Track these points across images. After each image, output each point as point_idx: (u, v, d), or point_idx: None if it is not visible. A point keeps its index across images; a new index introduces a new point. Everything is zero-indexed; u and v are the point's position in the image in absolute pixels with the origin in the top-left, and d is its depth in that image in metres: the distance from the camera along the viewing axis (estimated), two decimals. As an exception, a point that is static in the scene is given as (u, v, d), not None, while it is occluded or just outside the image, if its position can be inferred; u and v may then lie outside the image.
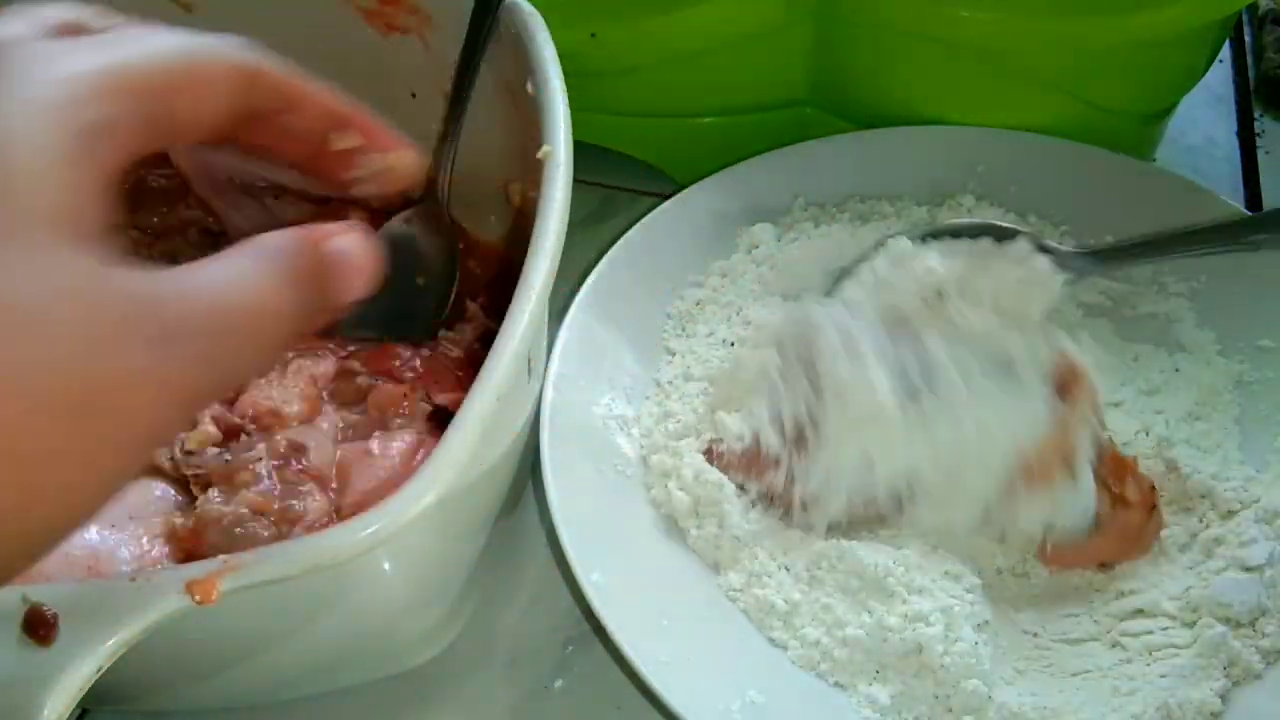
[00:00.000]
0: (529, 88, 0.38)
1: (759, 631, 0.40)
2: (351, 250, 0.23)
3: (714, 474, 0.42)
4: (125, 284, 0.19)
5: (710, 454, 0.43)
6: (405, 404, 0.39)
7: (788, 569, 0.41)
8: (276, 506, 0.35)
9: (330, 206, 0.47)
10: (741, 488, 0.42)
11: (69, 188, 0.19)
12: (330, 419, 0.39)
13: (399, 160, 0.25)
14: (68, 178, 0.19)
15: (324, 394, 0.40)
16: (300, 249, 0.22)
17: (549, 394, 0.42)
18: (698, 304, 0.48)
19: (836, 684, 0.39)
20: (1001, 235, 0.46)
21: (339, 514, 0.36)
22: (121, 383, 0.18)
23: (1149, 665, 0.38)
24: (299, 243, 0.22)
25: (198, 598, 0.27)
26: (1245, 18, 0.65)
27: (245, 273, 0.21)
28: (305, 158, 0.25)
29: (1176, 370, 0.46)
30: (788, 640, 0.40)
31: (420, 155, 0.26)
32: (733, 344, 0.47)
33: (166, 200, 0.46)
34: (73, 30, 0.23)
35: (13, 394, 0.17)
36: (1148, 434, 0.44)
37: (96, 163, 0.19)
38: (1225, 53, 0.63)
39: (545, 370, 0.43)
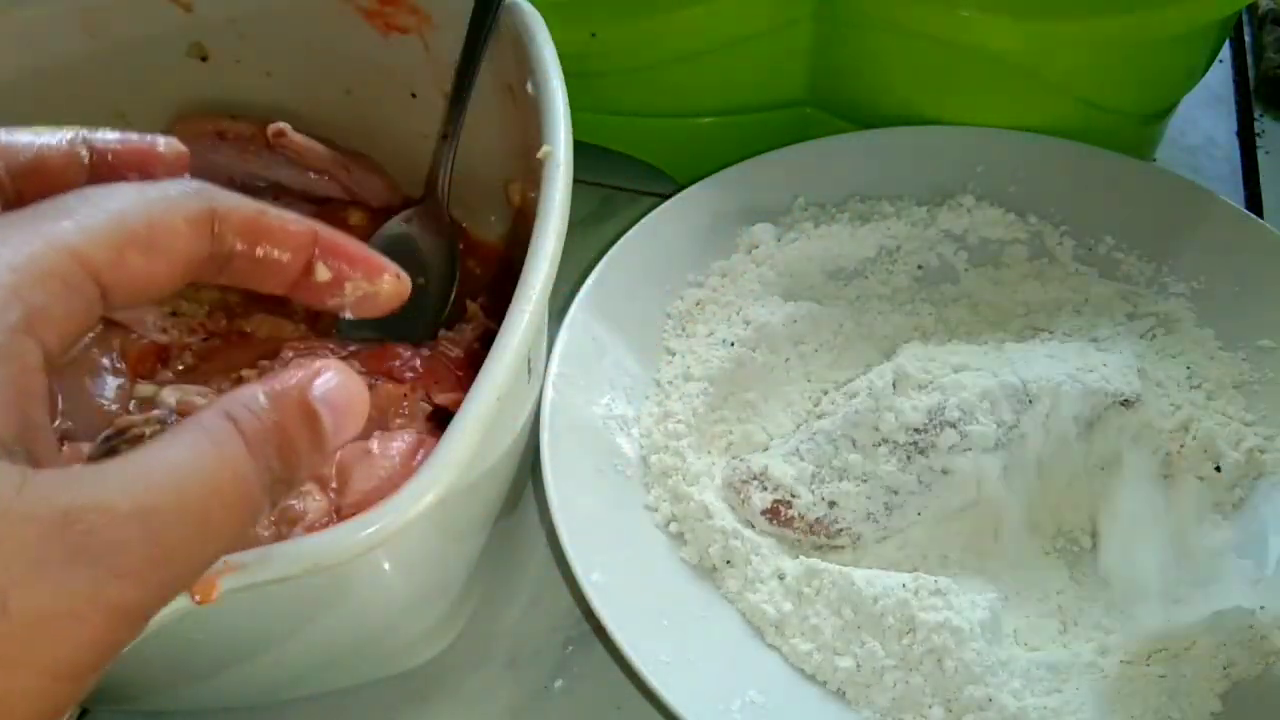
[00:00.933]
0: (529, 88, 0.38)
1: (757, 633, 0.40)
2: (340, 390, 0.22)
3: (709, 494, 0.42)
4: (38, 501, 0.17)
5: (776, 514, 0.42)
6: (405, 404, 0.39)
7: (780, 578, 0.41)
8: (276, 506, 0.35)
9: (329, 206, 0.47)
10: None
11: None
12: (330, 419, 0.39)
13: (384, 286, 0.25)
14: None
15: (324, 394, 0.40)
16: (277, 407, 0.21)
17: (549, 394, 0.42)
18: (698, 304, 0.48)
19: (838, 690, 0.39)
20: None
21: (339, 514, 0.36)
22: (53, 612, 0.17)
23: (1148, 666, 0.38)
24: (274, 401, 0.21)
25: (198, 597, 0.27)
26: (1245, 18, 0.65)
27: (184, 457, 0.19)
28: (286, 288, 0.24)
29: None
30: (781, 645, 0.40)
31: (403, 281, 0.25)
32: (733, 344, 0.47)
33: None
34: None
35: None
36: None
37: (18, 365, 0.18)
38: (1225, 53, 0.63)
39: (545, 370, 0.43)
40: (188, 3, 0.44)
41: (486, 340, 0.31)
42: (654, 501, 0.43)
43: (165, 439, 0.20)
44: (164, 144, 0.25)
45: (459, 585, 0.39)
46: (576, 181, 0.35)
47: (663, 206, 0.49)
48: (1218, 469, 0.42)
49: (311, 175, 0.46)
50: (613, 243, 0.48)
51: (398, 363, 0.40)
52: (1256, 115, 0.60)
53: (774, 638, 0.40)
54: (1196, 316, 0.47)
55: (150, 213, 0.20)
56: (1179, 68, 0.52)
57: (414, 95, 0.45)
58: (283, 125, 0.43)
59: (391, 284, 0.25)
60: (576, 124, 0.36)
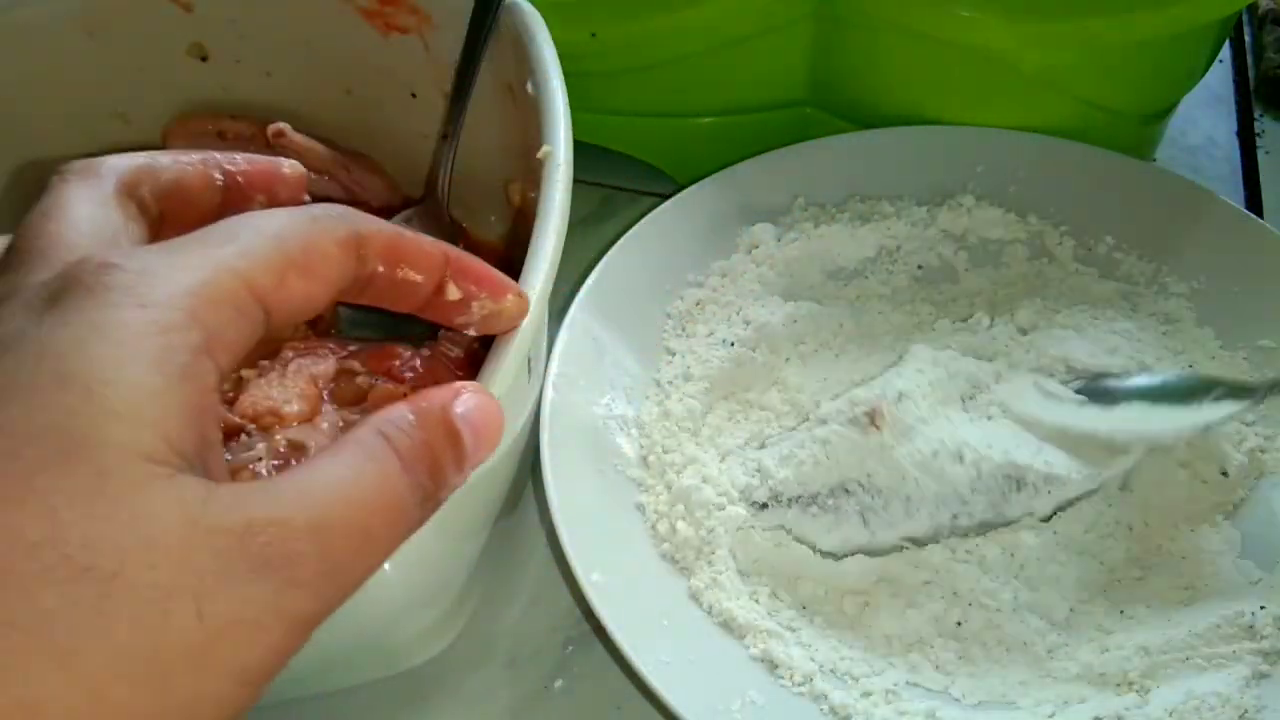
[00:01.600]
0: (529, 88, 0.38)
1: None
2: (479, 410, 0.23)
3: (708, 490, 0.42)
4: (223, 514, 0.18)
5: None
6: (405, 404, 0.39)
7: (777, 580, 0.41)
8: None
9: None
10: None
11: (168, 417, 0.18)
12: (330, 419, 0.39)
13: (508, 305, 0.26)
14: (168, 407, 0.18)
15: (324, 394, 0.40)
16: (424, 424, 0.22)
17: (549, 394, 0.42)
18: (698, 304, 0.48)
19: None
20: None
21: (339, 514, 0.36)
22: (240, 619, 0.18)
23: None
24: (421, 418, 0.22)
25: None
26: (1245, 18, 0.65)
27: (346, 474, 0.20)
28: (418, 307, 0.25)
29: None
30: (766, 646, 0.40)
31: (524, 299, 0.27)
32: (733, 344, 0.47)
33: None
34: (135, 185, 0.23)
35: (111, 663, 0.16)
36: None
37: (198, 385, 0.19)
38: (1225, 53, 0.63)
39: (545, 370, 0.43)
40: (188, 3, 0.44)
41: (486, 340, 0.31)
42: (653, 501, 0.43)
43: (327, 456, 0.20)
44: (287, 166, 0.26)
45: (459, 585, 0.39)
46: (576, 181, 0.35)
47: (663, 206, 0.49)
48: (1224, 474, 0.42)
49: (311, 175, 0.46)
50: (613, 243, 0.48)
51: (398, 363, 0.40)
52: (1256, 115, 0.60)
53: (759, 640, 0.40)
54: (1196, 316, 0.47)
55: (307, 238, 0.21)
56: (1179, 68, 0.52)
57: (414, 95, 0.45)
58: (283, 125, 0.43)
59: (514, 303, 0.26)
60: (576, 124, 0.36)
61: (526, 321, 0.32)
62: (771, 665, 0.39)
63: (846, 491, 0.41)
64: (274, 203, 0.26)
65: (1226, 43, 0.63)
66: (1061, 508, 0.42)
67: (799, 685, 0.38)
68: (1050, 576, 0.40)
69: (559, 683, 0.42)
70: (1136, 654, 0.39)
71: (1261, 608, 0.39)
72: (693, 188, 0.50)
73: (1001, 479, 0.41)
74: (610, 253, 0.47)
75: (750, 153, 0.52)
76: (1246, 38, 0.64)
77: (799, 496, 0.42)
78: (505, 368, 0.31)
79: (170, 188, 0.24)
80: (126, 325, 0.18)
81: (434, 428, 0.22)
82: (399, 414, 0.22)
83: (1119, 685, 0.38)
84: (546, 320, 0.39)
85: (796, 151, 0.52)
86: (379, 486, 0.20)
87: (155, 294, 0.19)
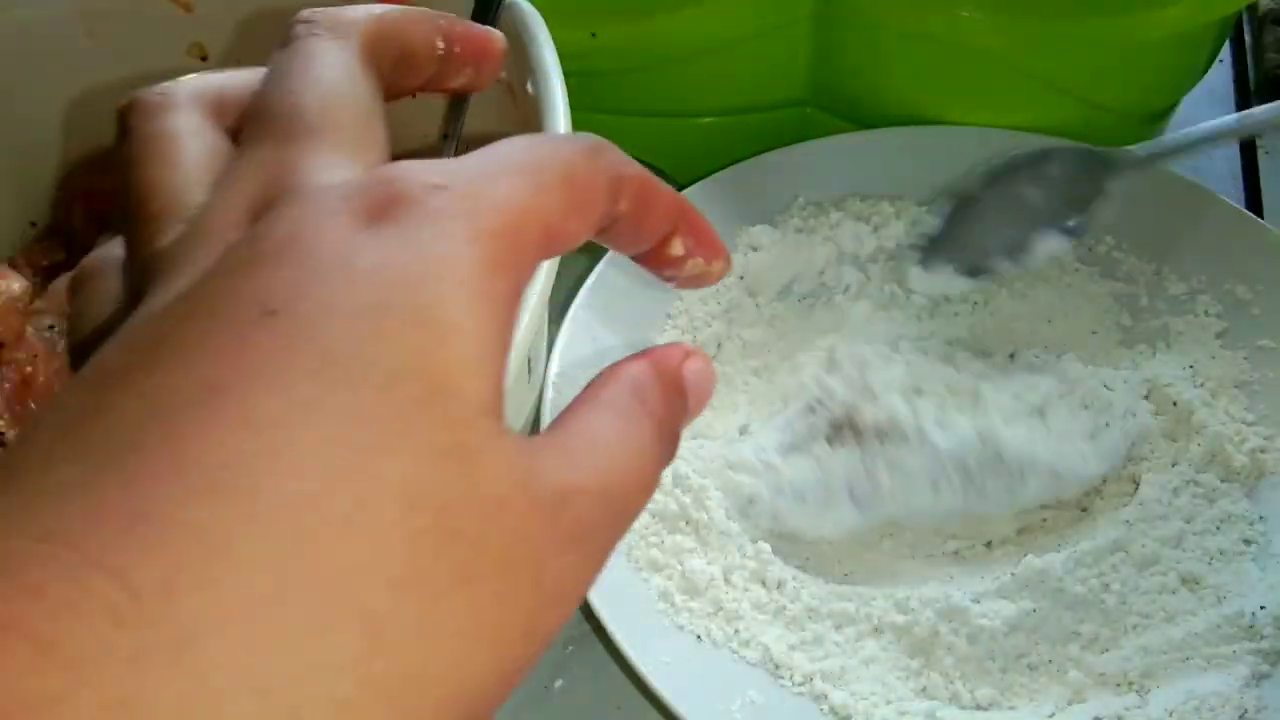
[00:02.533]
0: (529, 88, 0.38)
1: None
2: (702, 376, 0.21)
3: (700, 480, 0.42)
4: (544, 480, 0.17)
5: None
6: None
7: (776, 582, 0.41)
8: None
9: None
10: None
11: (500, 371, 0.17)
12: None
13: (715, 268, 0.24)
14: (500, 359, 0.17)
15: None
16: (661, 382, 0.20)
17: (549, 394, 0.42)
18: (697, 303, 0.48)
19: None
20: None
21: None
22: (559, 594, 0.17)
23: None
24: (658, 374, 0.20)
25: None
26: (1245, 17, 0.64)
27: (611, 437, 0.19)
28: (642, 253, 0.23)
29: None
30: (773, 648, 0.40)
31: (729, 264, 0.25)
32: (730, 342, 0.47)
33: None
34: (377, 49, 0.21)
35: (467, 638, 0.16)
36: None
37: (510, 331, 0.17)
38: (1226, 52, 0.63)
39: (545, 371, 0.43)
40: (188, 3, 0.44)
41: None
42: (651, 499, 0.43)
43: (589, 413, 0.19)
44: (495, 37, 0.24)
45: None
46: (577, 181, 0.35)
47: (663, 206, 0.49)
48: (1224, 480, 0.42)
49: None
50: (613, 243, 0.48)
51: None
52: (1257, 115, 0.60)
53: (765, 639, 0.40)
54: (1197, 317, 0.47)
55: (589, 177, 0.19)
56: (1179, 68, 0.52)
57: (414, 95, 0.45)
58: (283, 125, 0.43)
59: (720, 267, 0.24)
60: (576, 124, 0.36)
61: (526, 321, 0.32)
62: (772, 665, 0.39)
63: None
64: (477, 79, 0.25)
65: (1227, 42, 0.63)
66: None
67: (799, 685, 0.38)
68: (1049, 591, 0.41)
69: (559, 683, 0.42)
70: (1136, 654, 0.39)
71: (1262, 608, 0.39)
72: (693, 188, 0.50)
73: (982, 464, 0.41)
74: (610, 253, 0.47)
75: (750, 153, 0.52)
76: (1247, 38, 0.64)
77: (785, 490, 0.42)
78: (506, 368, 0.31)
79: (401, 54, 0.22)
80: (467, 262, 0.16)
81: (672, 391, 0.20)
82: (644, 374, 0.20)
83: (1119, 685, 0.38)
84: (546, 320, 0.39)
85: (796, 151, 0.52)
86: (639, 452, 0.19)
87: (484, 226, 0.17)
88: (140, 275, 0.17)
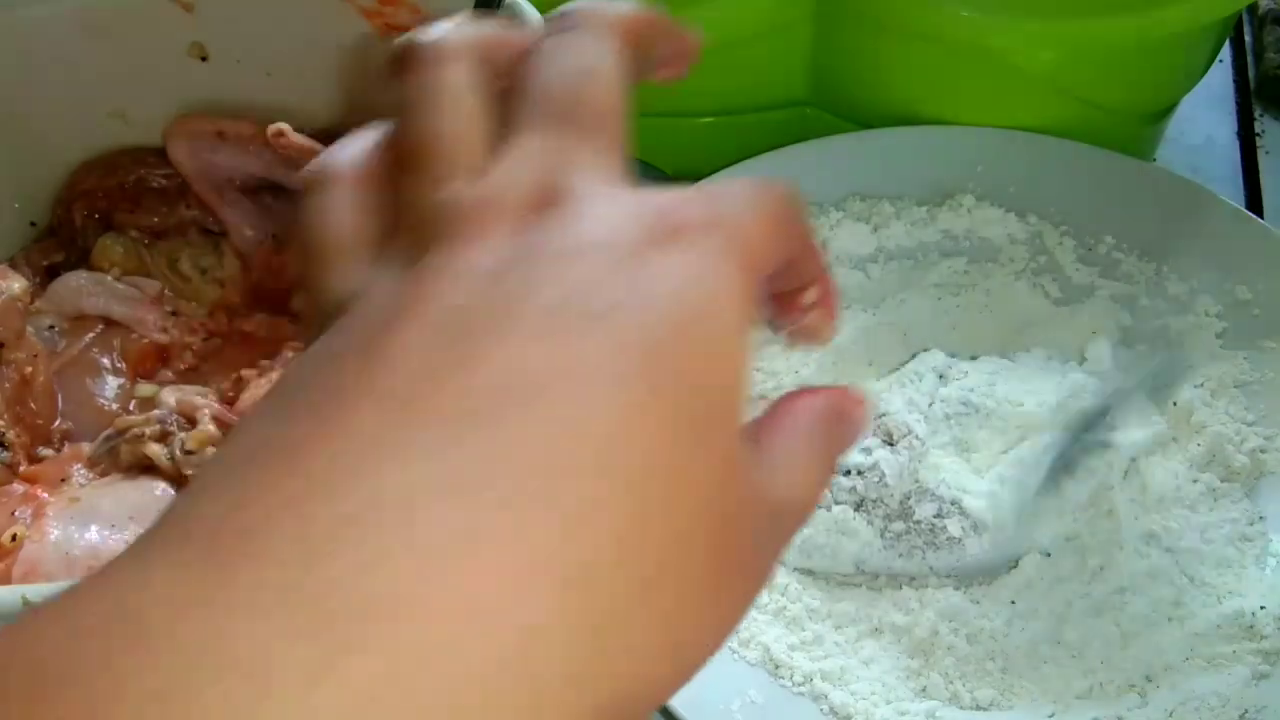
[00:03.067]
0: (529, 88, 0.38)
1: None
2: (863, 421, 0.22)
3: None
4: (772, 491, 0.18)
5: None
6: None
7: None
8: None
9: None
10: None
11: (749, 388, 0.17)
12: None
13: (827, 332, 0.24)
14: (749, 379, 0.18)
15: (324, 394, 0.40)
16: (832, 418, 0.20)
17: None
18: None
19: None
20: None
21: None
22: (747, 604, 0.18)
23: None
24: (832, 411, 0.21)
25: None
26: (1245, 17, 0.64)
27: (808, 462, 0.19)
28: (773, 298, 0.23)
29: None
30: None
31: (835, 331, 0.25)
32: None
33: (166, 200, 0.46)
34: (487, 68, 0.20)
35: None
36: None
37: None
38: (1225, 52, 0.63)
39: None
40: (188, 3, 0.44)
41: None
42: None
43: (787, 436, 0.20)
44: (693, 39, 0.25)
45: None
46: (577, 181, 0.35)
47: (663, 206, 0.49)
48: (1224, 480, 0.42)
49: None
50: (613, 243, 0.47)
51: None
52: (1257, 115, 0.60)
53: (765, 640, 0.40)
54: (1197, 317, 0.47)
55: (797, 219, 0.20)
56: (1179, 68, 0.52)
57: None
58: (283, 125, 0.43)
59: (830, 332, 0.24)
60: (576, 124, 0.36)
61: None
62: (772, 665, 0.39)
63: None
64: (676, 74, 0.26)
65: (1227, 42, 0.63)
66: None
67: (799, 685, 0.38)
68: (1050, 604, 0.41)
69: (559, 683, 0.42)
70: (1136, 654, 0.39)
71: (1261, 608, 0.39)
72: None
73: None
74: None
75: (750, 153, 0.52)
76: (1247, 37, 0.64)
77: (795, 543, 0.42)
78: None
79: (642, 50, 0.23)
80: (739, 296, 0.17)
81: (847, 432, 0.21)
82: (830, 411, 0.21)
83: (1119, 685, 0.38)
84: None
85: (796, 151, 0.52)
86: (821, 484, 0.20)
87: (746, 263, 0.18)
88: (421, 220, 0.17)
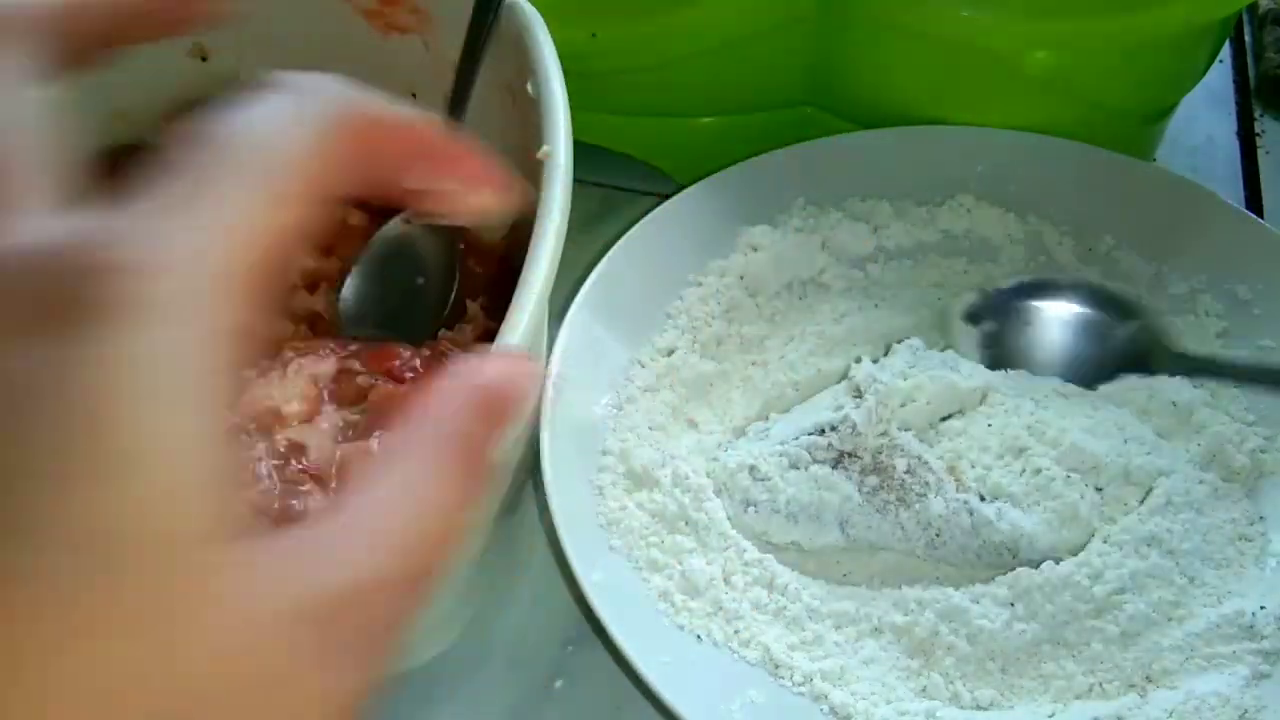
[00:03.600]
0: (529, 88, 0.38)
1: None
2: (513, 377, 0.18)
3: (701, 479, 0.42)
4: (302, 596, 0.15)
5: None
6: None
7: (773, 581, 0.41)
8: (276, 505, 0.35)
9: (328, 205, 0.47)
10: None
11: (219, 481, 0.14)
12: (330, 419, 0.39)
13: (488, 198, 0.21)
14: (216, 460, 0.14)
15: (324, 394, 0.40)
16: (461, 438, 0.17)
17: (549, 394, 0.42)
18: (698, 303, 0.48)
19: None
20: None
21: (339, 514, 0.36)
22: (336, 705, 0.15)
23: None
24: (466, 414, 0.18)
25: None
26: (1245, 17, 0.64)
27: (411, 483, 0.17)
28: (388, 194, 0.20)
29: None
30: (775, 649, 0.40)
31: (503, 198, 0.21)
32: (729, 340, 0.47)
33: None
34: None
35: None
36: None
37: (228, 410, 0.15)
38: (1226, 52, 0.63)
39: (545, 370, 0.43)
40: (188, 2, 0.44)
41: (486, 340, 0.32)
42: (653, 499, 0.43)
43: (372, 489, 0.17)
44: None
45: (459, 585, 0.39)
46: (576, 181, 0.35)
47: (663, 206, 0.49)
48: (1225, 480, 0.42)
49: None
50: (613, 243, 0.48)
51: (398, 363, 0.40)
52: (1257, 115, 0.60)
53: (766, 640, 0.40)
54: (1197, 317, 0.47)
55: (317, 169, 0.17)
56: (1179, 68, 0.52)
57: (414, 95, 0.45)
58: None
59: (492, 197, 0.21)
60: (576, 124, 0.36)
61: (526, 321, 0.32)
62: (772, 665, 0.39)
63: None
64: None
65: (1227, 42, 0.63)
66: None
67: (799, 685, 0.38)
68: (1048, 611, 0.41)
69: (559, 683, 0.42)
70: (1136, 654, 0.39)
71: (1262, 608, 0.39)
72: (693, 188, 0.50)
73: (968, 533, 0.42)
74: (610, 253, 0.47)
75: (750, 153, 0.52)
76: (1247, 37, 0.64)
77: (780, 509, 0.42)
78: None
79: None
80: (186, 374, 0.14)
81: (471, 416, 0.18)
82: (452, 403, 0.18)
83: (1119, 685, 0.38)
84: (546, 320, 0.39)
85: (796, 151, 0.52)
86: (441, 518, 0.17)
87: (214, 325, 0.14)
88: None
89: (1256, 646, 0.38)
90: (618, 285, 0.47)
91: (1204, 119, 0.60)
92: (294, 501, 0.35)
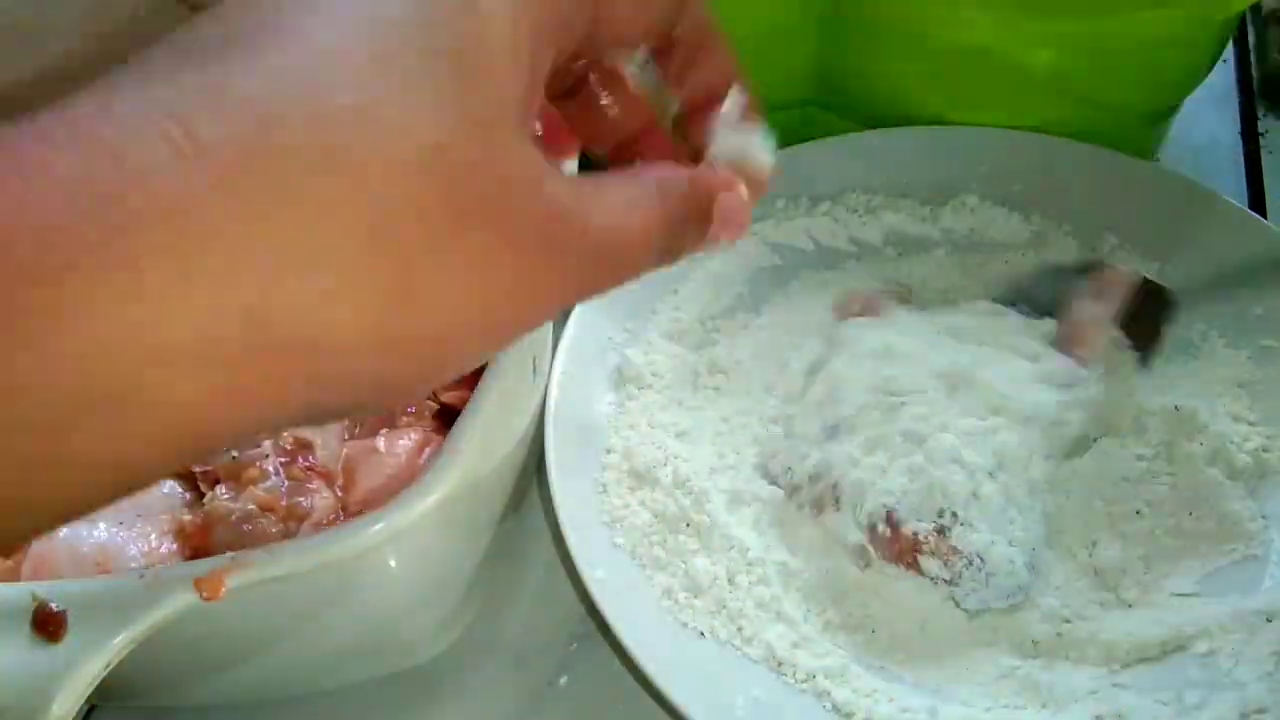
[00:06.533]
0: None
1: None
2: (738, 210, 0.23)
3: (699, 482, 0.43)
4: (555, 191, 0.19)
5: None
6: (412, 402, 0.39)
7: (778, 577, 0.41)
8: (284, 503, 0.35)
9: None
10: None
11: (525, 86, 0.18)
12: (336, 417, 0.39)
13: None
14: (524, 77, 0.18)
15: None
16: (691, 196, 0.22)
17: (553, 392, 0.42)
18: (700, 299, 0.49)
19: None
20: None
21: (345, 511, 0.36)
22: (544, 288, 0.19)
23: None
24: (691, 189, 0.22)
25: (205, 594, 0.27)
26: (1249, 17, 0.64)
27: (636, 203, 0.21)
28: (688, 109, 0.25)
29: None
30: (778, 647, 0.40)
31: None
32: (730, 338, 0.47)
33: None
34: None
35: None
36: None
37: (540, 65, 0.19)
38: (1229, 52, 0.63)
39: (549, 369, 0.43)
40: (196, 4, 0.44)
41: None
42: (657, 498, 0.43)
43: (618, 183, 0.21)
44: None
45: (464, 582, 0.39)
46: (581, 181, 0.35)
47: (666, 206, 0.49)
48: (1227, 479, 0.42)
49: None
50: (616, 242, 0.48)
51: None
52: (1260, 115, 0.60)
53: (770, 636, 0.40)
54: (1198, 317, 0.47)
55: None
56: (1182, 67, 0.52)
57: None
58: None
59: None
60: (580, 124, 0.36)
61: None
62: (775, 663, 0.39)
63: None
64: None
65: (1230, 42, 0.63)
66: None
67: (802, 683, 0.38)
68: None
69: (564, 680, 0.42)
70: (1136, 651, 0.39)
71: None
72: (695, 187, 0.50)
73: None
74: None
75: (753, 152, 0.52)
76: (1250, 37, 0.64)
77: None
78: (509, 367, 0.31)
79: None
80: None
81: (698, 204, 0.22)
82: (679, 178, 0.22)
83: (1119, 685, 0.38)
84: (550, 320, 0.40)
85: (797, 151, 0.52)
86: (642, 229, 0.21)
87: None
88: None
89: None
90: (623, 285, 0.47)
91: (1207, 119, 0.60)
92: (301, 499, 0.35)
